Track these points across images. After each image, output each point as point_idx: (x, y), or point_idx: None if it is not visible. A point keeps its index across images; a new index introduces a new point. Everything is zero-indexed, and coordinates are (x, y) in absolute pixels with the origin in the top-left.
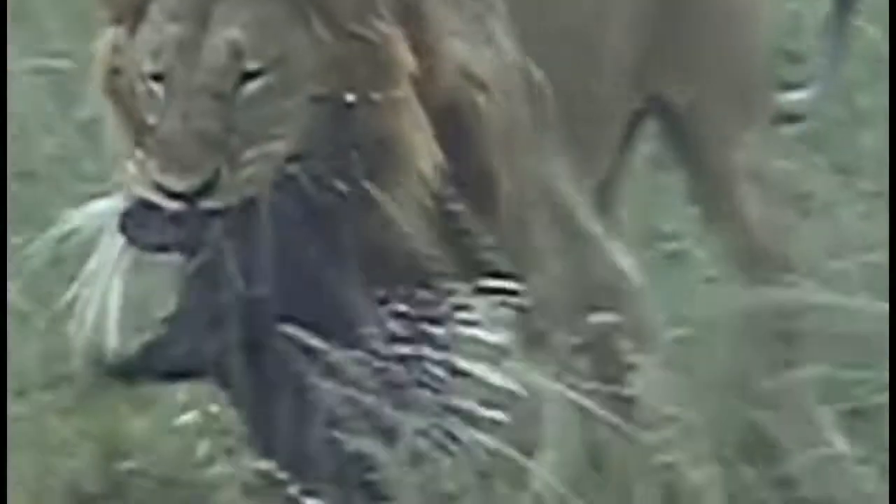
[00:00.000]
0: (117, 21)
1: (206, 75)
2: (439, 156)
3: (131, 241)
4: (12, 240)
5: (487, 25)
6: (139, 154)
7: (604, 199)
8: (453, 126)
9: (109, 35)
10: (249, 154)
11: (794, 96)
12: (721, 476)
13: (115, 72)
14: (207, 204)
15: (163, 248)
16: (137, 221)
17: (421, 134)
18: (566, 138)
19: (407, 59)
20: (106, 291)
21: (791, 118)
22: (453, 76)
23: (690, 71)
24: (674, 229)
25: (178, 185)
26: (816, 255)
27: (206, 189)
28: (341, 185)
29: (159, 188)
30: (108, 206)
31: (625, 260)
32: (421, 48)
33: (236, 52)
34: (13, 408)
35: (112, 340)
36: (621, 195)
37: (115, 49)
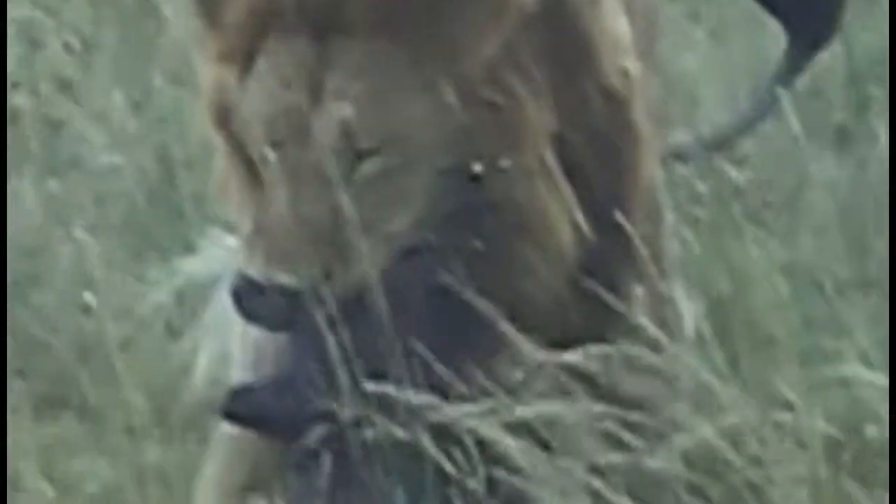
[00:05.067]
0: (224, 59)
1: (318, 155)
2: (579, 218)
3: (242, 316)
4: None
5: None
6: (250, 232)
7: None
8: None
9: (214, 72)
10: (364, 243)
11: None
12: None
13: (226, 110)
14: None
15: (272, 326)
16: (247, 298)
17: (557, 202)
18: None
19: (541, 120)
20: (224, 335)
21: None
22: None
23: None
24: None
25: (282, 279)
26: None
27: (313, 284)
28: (464, 261)
29: (266, 276)
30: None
31: None
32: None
33: (348, 132)
34: None
35: (230, 380)
36: None
37: (224, 88)
